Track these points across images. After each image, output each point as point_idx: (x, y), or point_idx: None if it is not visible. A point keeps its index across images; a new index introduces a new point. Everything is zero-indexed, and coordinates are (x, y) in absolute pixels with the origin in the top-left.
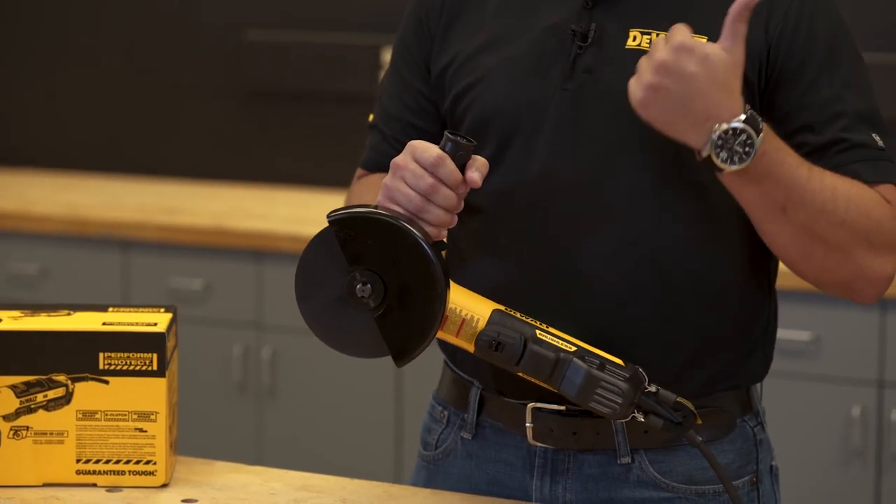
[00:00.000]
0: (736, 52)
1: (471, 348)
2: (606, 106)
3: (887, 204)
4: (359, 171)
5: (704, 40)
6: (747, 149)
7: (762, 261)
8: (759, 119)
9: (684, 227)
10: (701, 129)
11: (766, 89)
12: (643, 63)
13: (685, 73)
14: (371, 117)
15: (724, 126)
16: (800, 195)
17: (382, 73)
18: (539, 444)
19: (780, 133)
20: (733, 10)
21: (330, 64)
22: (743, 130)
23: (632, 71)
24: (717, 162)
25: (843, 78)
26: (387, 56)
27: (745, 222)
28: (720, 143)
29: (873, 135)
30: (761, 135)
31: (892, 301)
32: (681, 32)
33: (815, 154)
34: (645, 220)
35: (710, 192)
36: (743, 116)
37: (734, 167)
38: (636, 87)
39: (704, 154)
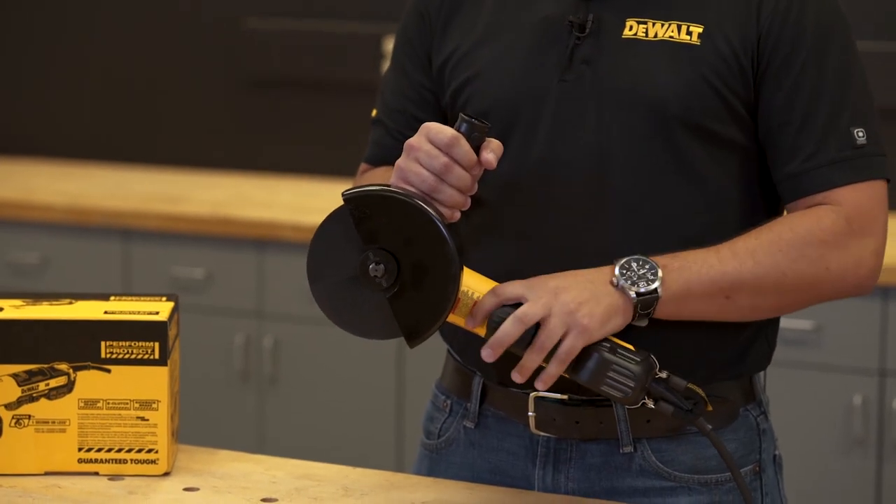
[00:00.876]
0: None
1: (481, 332)
2: (605, 96)
3: (833, 209)
4: (362, 167)
5: (700, 30)
6: (648, 267)
7: None
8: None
9: (684, 216)
10: (613, 296)
11: (756, 79)
12: (553, 320)
13: (562, 284)
14: (374, 112)
15: (616, 269)
16: (728, 278)
17: (384, 62)
18: (541, 434)
19: (764, 127)
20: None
21: (332, 52)
22: (630, 260)
23: (630, 60)
24: (646, 294)
25: (830, 73)
26: (388, 45)
27: (745, 211)
28: (629, 280)
29: (856, 130)
30: (647, 257)
31: (893, 290)
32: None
33: (790, 154)
34: (644, 209)
35: (708, 182)
36: (619, 260)
37: (655, 283)
38: (587, 333)
39: (636, 303)
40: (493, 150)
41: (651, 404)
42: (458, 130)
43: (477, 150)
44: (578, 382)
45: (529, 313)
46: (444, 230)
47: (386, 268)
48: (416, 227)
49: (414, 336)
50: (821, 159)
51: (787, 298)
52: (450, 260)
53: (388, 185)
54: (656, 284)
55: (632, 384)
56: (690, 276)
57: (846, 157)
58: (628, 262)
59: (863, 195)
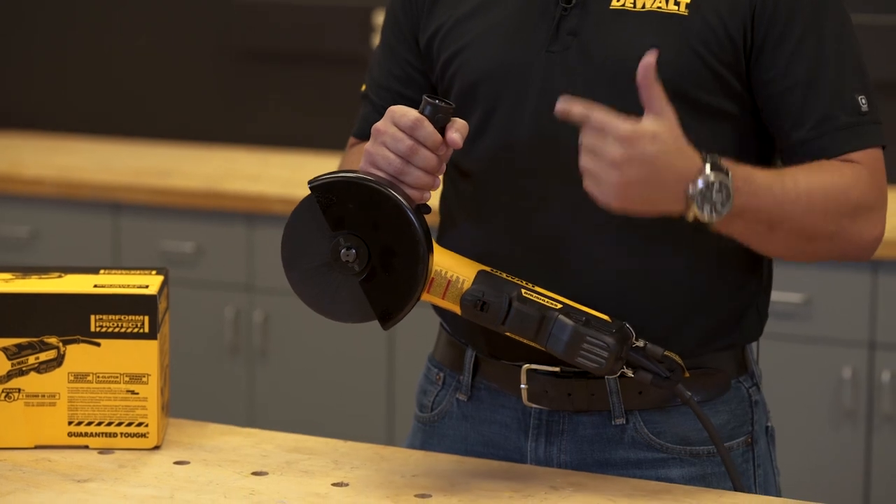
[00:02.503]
0: (667, 113)
1: (457, 309)
2: (592, 68)
3: (859, 170)
4: (351, 140)
5: (689, 0)
6: (724, 194)
7: None
8: (720, 160)
9: None
10: (677, 198)
11: (751, 51)
12: (595, 166)
13: (646, 158)
14: (363, 87)
15: (698, 185)
16: (780, 212)
17: (373, 35)
18: (534, 406)
19: (764, 95)
20: (641, 79)
21: (321, 26)
22: (713, 181)
23: (617, 31)
24: (706, 217)
25: (829, 40)
26: (378, 18)
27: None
28: (700, 201)
29: (859, 97)
30: (730, 174)
31: (883, 263)
32: (614, 122)
33: (798, 120)
34: None
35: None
36: (707, 168)
37: (720, 215)
38: (607, 192)
39: (690, 217)
40: (458, 130)
41: (630, 373)
42: (423, 113)
43: (442, 130)
44: (553, 355)
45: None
46: (409, 213)
47: (357, 252)
48: (383, 211)
49: (387, 318)
50: (831, 125)
51: (813, 246)
52: (417, 242)
53: (354, 171)
54: (718, 217)
55: (606, 355)
56: (751, 205)
57: (854, 122)
58: (709, 182)
59: (873, 160)
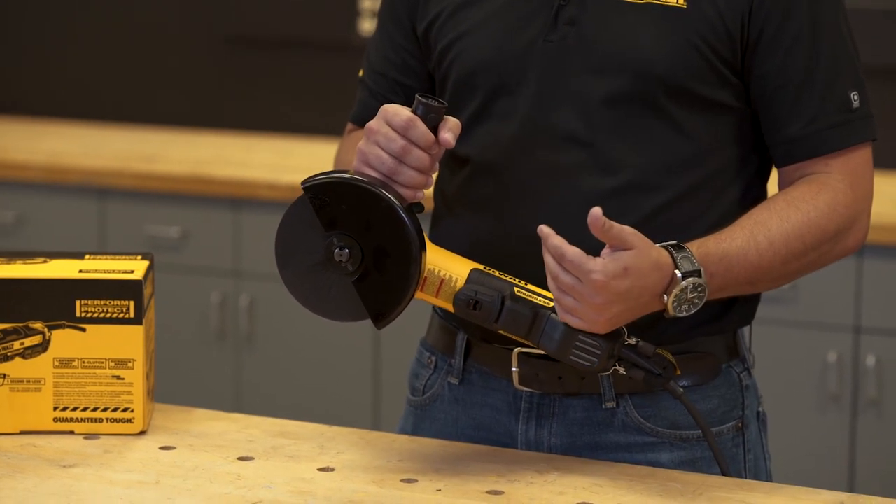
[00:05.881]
0: (629, 239)
1: (450, 308)
2: (589, 57)
3: (837, 186)
4: (349, 126)
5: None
6: (699, 290)
7: (744, 207)
8: (688, 252)
9: (668, 177)
10: (656, 305)
11: (748, 46)
12: (577, 306)
13: (622, 294)
14: (361, 72)
15: (675, 293)
16: (758, 273)
17: (361, 21)
18: (525, 389)
19: (757, 91)
20: (594, 230)
21: (309, 11)
22: (686, 286)
23: (615, 22)
24: (686, 314)
25: (825, 36)
26: (365, 3)
27: (735, 173)
28: (677, 306)
29: (851, 94)
30: (700, 269)
31: (868, 248)
32: (587, 267)
33: (789, 118)
34: (627, 171)
35: (695, 144)
36: (679, 273)
37: (698, 307)
38: (592, 326)
39: (671, 316)
40: (450, 130)
41: (622, 371)
42: (415, 112)
43: (435, 129)
44: (545, 353)
45: (566, 284)
46: (402, 213)
47: (350, 252)
48: (375, 211)
49: (380, 318)
50: (822, 123)
51: (793, 277)
52: (409, 242)
53: (347, 172)
54: (697, 308)
55: (598, 353)
56: (729, 280)
57: (845, 120)
58: (683, 290)
59: (858, 159)
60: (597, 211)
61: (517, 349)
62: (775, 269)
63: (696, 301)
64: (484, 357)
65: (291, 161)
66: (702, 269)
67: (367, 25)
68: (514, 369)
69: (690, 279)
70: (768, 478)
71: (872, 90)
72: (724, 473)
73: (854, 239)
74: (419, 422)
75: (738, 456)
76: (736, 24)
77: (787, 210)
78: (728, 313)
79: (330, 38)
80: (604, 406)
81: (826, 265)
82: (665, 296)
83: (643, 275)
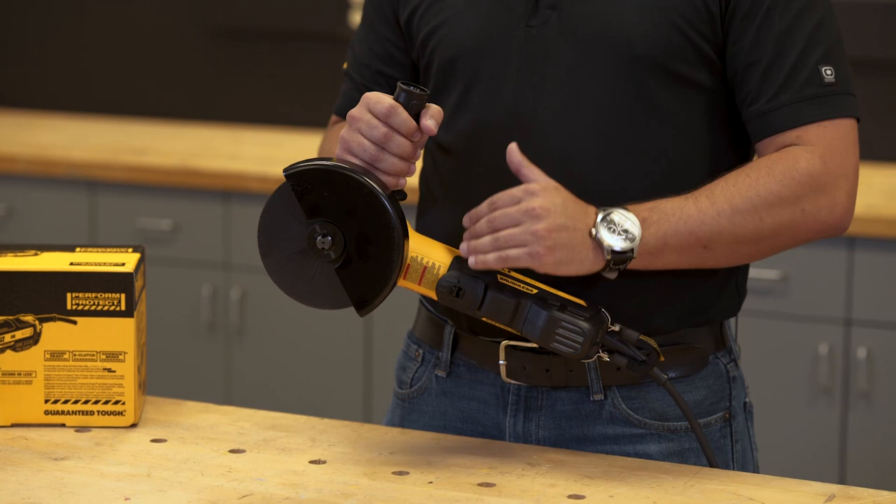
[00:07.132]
0: (539, 178)
1: (433, 295)
2: (571, 42)
3: (800, 154)
4: (333, 118)
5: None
6: (630, 220)
7: None
8: (610, 208)
9: (650, 163)
10: (593, 246)
11: (724, 20)
12: (519, 233)
13: (559, 209)
14: (345, 65)
15: (598, 218)
16: (705, 229)
17: (350, 13)
18: (512, 382)
19: (732, 68)
20: (511, 163)
21: (298, 3)
22: (611, 211)
23: (596, 4)
24: (622, 250)
25: (797, 11)
26: None
27: (715, 152)
28: (608, 233)
29: (824, 68)
30: (628, 207)
31: (859, 239)
32: (507, 191)
33: (758, 93)
34: (613, 152)
35: (678, 123)
36: (599, 214)
37: (635, 240)
38: (541, 257)
39: (608, 258)
40: (432, 117)
41: (606, 357)
42: (397, 100)
43: (417, 117)
44: (530, 340)
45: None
46: (384, 200)
47: (333, 240)
48: (358, 198)
49: (363, 305)
50: (788, 97)
51: (764, 245)
52: (392, 229)
53: (329, 159)
54: (634, 244)
55: (581, 339)
56: (668, 229)
57: (814, 94)
58: (610, 216)
59: (834, 134)
60: (513, 146)
61: (504, 342)
62: (725, 229)
63: (629, 228)
64: (471, 350)
65: (282, 153)
66: (626, 212)
67: (357, 18)
68: (501, 362)
69: (616, 209)
70: (755, 468)
71: (872, 83)
72: (710, 464)
73: (829, 213)
74: (406, 414)
75: (725, 447)
76: (715, 1)
77: (734, 176)
78: (714, 306)
79: (320, 31)
80: (591, 398)
81: (800, 238)
82: (593, 229)
83: (571, 199)
